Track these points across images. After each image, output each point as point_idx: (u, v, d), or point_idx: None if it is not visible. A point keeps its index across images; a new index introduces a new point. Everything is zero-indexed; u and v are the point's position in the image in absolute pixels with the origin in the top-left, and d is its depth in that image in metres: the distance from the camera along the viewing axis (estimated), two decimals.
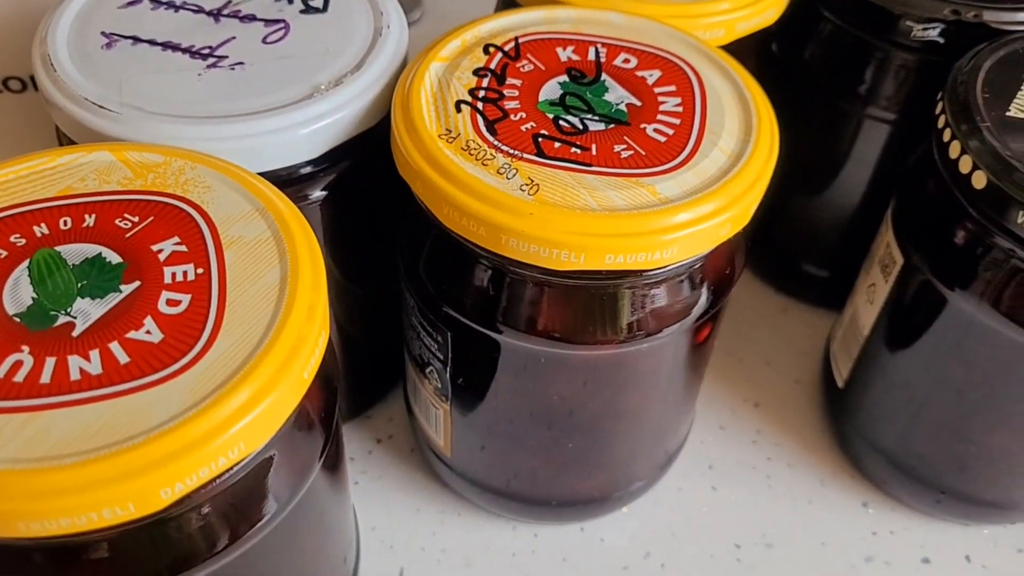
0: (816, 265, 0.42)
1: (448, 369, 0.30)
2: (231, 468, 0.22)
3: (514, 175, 0.26)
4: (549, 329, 0.27)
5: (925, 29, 0.33)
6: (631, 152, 0.27)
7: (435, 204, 0.26)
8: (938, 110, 0.30)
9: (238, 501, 0.23)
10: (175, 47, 0.30)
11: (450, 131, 0.27)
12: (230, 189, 0.26)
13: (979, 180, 0.28)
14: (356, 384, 0.36)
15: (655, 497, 0.36)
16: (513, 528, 0.35)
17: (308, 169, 0.29)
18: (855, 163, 0.37)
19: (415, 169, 0.27)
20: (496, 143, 0.27)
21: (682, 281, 0.27)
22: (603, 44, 0.30)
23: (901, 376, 0.33)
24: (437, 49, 0.29)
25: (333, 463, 0.28)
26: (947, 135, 0.29)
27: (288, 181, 0.28)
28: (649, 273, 0.26)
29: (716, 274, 0.28)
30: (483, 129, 0.27)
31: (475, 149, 0.27)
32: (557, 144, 0.27)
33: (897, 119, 0.35)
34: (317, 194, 0.29)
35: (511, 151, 0.26)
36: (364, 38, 0.30)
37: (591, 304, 0.27)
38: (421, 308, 0.29)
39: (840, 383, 0.37)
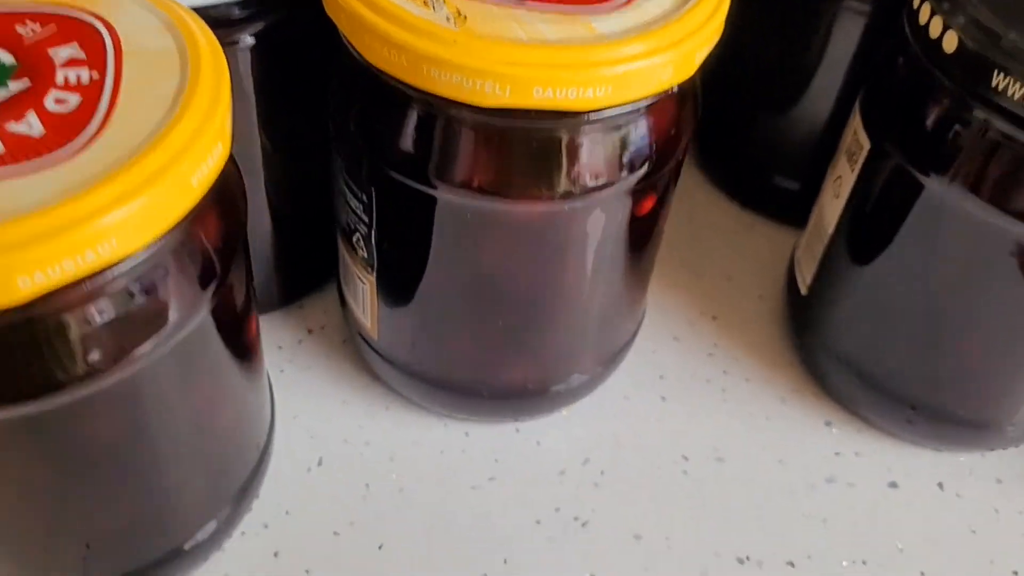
0: (786, 176, 0.40)
1: (373, 233, 0.28)
2: (102, 269, 0.20)
3: (441, 6, 0.24)
4: (477, 180, 0.25)
5: None
6: None
7: (358, 37, 0.25)
8: None
9: (113, 319, 0.22)
10: None
11: None
12: (141, 7, 0.25)
13: (950, 42, 0.26)
14: (288, 268, 0.35)
15: (599, 402, 0.34)
16: (444, 425, 0.33)
17: (237, 12, 0.27)
18: (829, 64, 0.35)
19: (339, 2, 0.25)
20: None
21: (621, 133, 0.26)
22: None
23: (868, 276, 0.31)
24: None
25: (237, 317, 0.26)
26: (916, 1, 0.27)
27: (218, 22, 0.27)
28: (583, 117, 0.24)
29: (660, 133, 0.26)
30: None
31: None
32: None
33: (872, 10, 0.33)
34: (247, 40, 0.28)
35: None
36: None
37: (522, 153, 0.25)
38: (348, 167, 0.28)
39: (803, 290, 0.34)
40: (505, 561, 0.30)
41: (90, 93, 0.22)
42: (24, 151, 0.21)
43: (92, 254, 0.20)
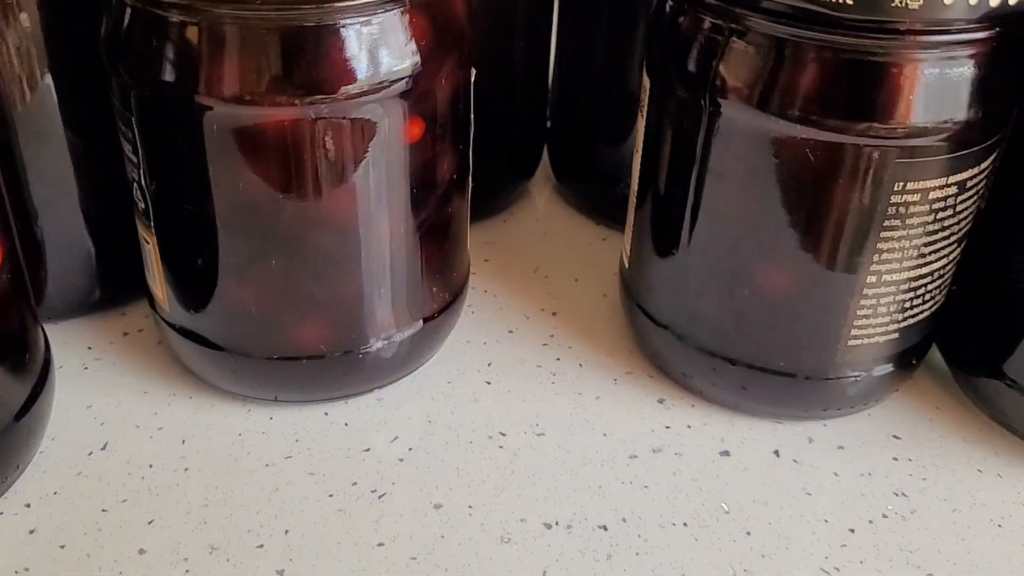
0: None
1: (142, 174, 0.28)
2: None
3: None
4: (218, 85, 0.25)
5: None
6: None
7: None
8: None
9: None
10: None
11: None
12: None
13: None
14: (104, 268, 0.33)
15: (418, 387, 0.32)
16: (248, 411, 0.31)
17: None
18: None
19: None
20: None
21: (366, 32, 0.25)
22: None
23: (666, 225, 0.30)
24: None
25: None
26: None
27: None
28: (327, 6, 0.24)
29: (428, 28, 0.26)
30: None
31: None
32: None
33: None
34: None
35: None
36: None
37: (260, 52, 0.25)
38: (116, 105, 0.27)
39: (627, 262, 0.33)
40: (286, 532, 0.27)
41: None
42: None
43: None
